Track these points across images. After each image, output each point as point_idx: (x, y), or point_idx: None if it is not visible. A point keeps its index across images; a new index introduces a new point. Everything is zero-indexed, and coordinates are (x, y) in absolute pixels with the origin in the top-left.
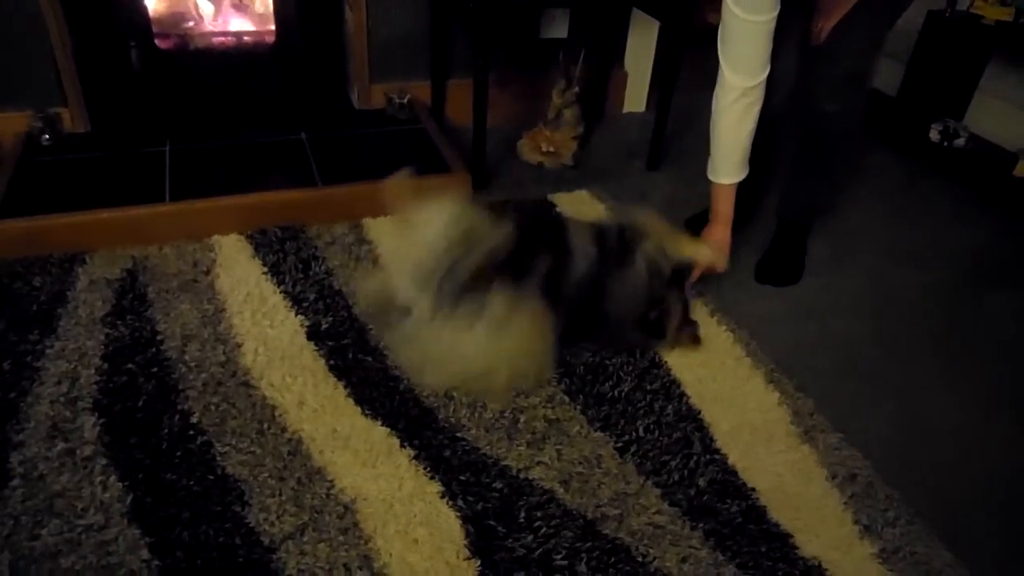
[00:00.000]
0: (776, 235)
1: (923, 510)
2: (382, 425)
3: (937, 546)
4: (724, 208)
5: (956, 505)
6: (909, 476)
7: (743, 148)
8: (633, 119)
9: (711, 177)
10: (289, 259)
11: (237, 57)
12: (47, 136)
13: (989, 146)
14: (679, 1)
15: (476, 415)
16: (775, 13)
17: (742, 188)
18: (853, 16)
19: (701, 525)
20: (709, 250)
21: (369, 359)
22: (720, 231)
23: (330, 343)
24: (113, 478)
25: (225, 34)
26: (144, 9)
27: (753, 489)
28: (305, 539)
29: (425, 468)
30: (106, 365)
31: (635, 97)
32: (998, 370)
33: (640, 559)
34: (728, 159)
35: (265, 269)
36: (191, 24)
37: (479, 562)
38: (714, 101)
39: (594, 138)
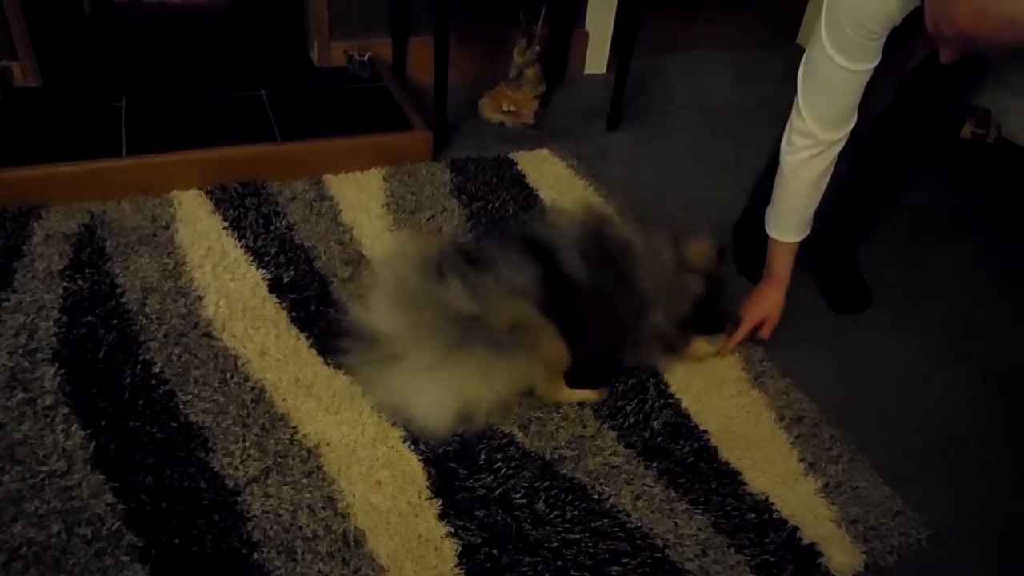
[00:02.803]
0: (821, 249)
1: (864, 448)
2: (344, 374)
3: (876, 481)
4: (781, 269)
5: (895, 443)
6: (852, 417)
7: (813, 205)
8: (594, 80)
9: (771, 233)
10: (250, 214)
11: (194, 10)
12: None
13: None
14: None
15: None
16: (878, 61)
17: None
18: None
19: (655, 464)
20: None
21: (331, 311)
22: (774, 294)
23: (292, 296)
24: (75, 426)
25: None
26: None
27: (705, 431)
28: (269, 482)
29: (387, 414)
30: (65, 318)
31: (596, 59)
32: (934, 318)
33: (596, 496)
34: (795, 216)
35: (225, 224)
36: None
37: (440, 501)
38: (784, 151)
39: (555, 98)
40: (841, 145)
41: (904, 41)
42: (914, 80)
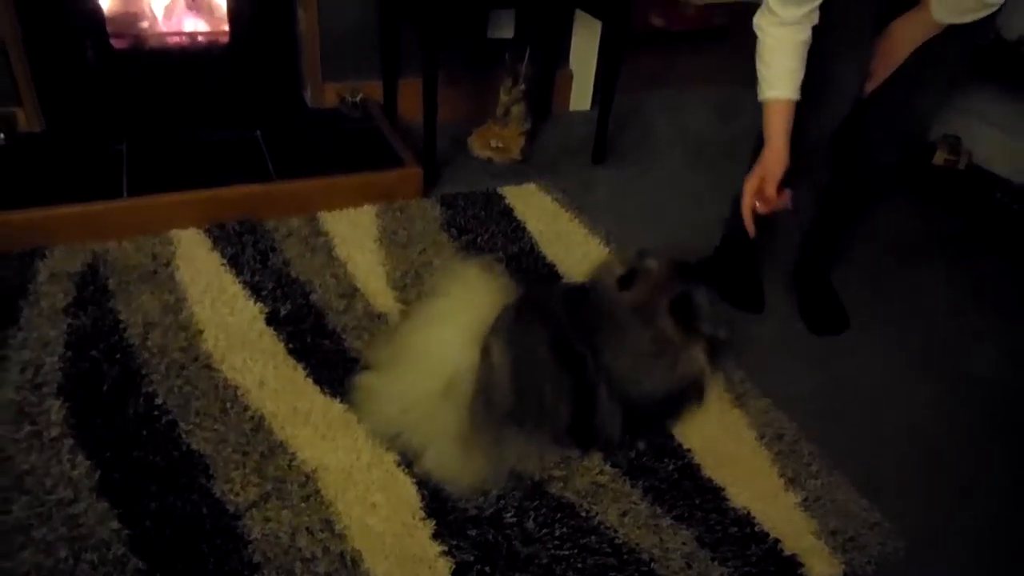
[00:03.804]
0: (800, 273)
1: (842, 463)
2: (340, 402)
3: (854, 494)
4: (775, 135)
5: (871, 458)
6: (830, 434)
7: (796, 65)
8: (578, 116)
9: (761, 97)
10: (247, 251)
11: (192, 56)
12: (2, 135)
13: None
14: (619, 3)
15: None
16: None
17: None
18: (923, 73)
19: (640, 482)
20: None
21: (327, 343)
22: (769, 155)
23: (289, 328)
24: (80, 456)
25: (180, 34)
26: (98, 9)
27: (688, 450)
28: (269, 506)
29: (381, 440)
30: (70, 353)
31: (580, 96)
32: (909, 337)
33: (584, 514)
34: (779, 70)
35: (224, 261)
36: (145, 24)
37: (434, 522)
38: (756, 26)
39: (542, 134)
40: (808, 23)
41: (867, 65)
42: (871, 99)
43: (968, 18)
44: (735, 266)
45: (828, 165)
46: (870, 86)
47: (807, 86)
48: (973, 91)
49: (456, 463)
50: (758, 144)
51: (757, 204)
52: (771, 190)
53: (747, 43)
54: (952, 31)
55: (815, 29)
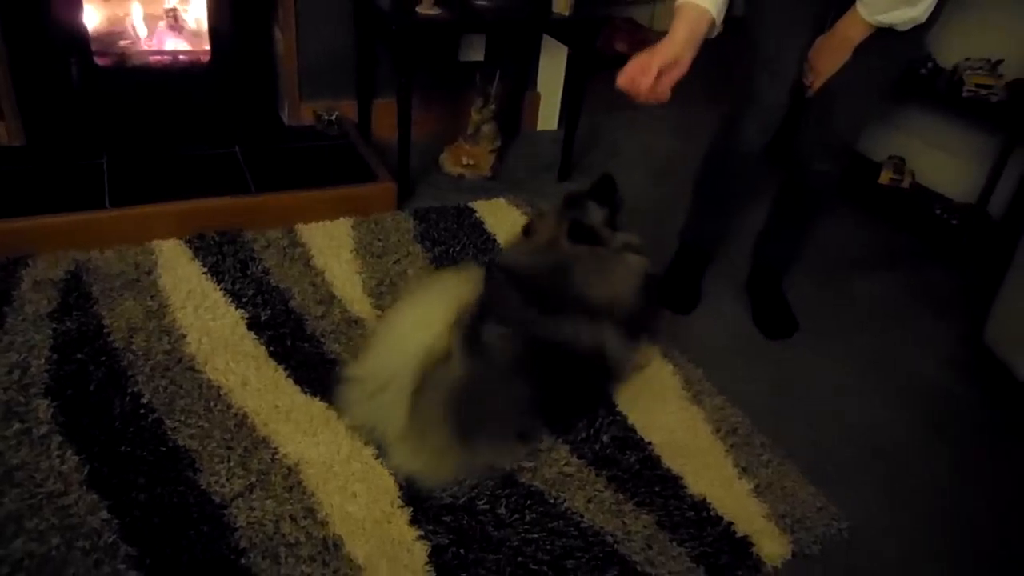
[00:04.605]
0: (752, 281)
1: (792, 455)
2: (320, 400)
3: (803, 481)
4: (675, 28)
5: (820, 450)
6: (781, 429)
7: None
8: (546, 136)
9: (677, 2)
10: (227, 260)
11: (174, 75)
12: None
13: (857, 156)
14: (584, 30)
15: None
16: None
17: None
18: (854, 81)
19: (604, 472)
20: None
21: (306, 346)
22: (662, 42)
23: (269, 332)
24: (70, 452)
25: (162, 53)
26: (83, 27)
27: (649, 443)
28: (253, 496)
29: (360, 435)
30: (55, 356)
31: (548, 116)
32: (857, 341)
33: (552, 501)
34: None
35: (205, 269)
36: (128, 42)
37: (411, 509)
38: None
39: (510, 153)
40: None
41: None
42: (806, 105)
43: (895, 17)
44: (684, 273)
45: (767, 175)
46: (816, 83)
47: (743, 82)
48: (915, 115)
49: (423, 461)
50: (709, 151)
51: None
52: (650, 76)
53: (704, 67)
54: (883, 44)
55: (750, 20)
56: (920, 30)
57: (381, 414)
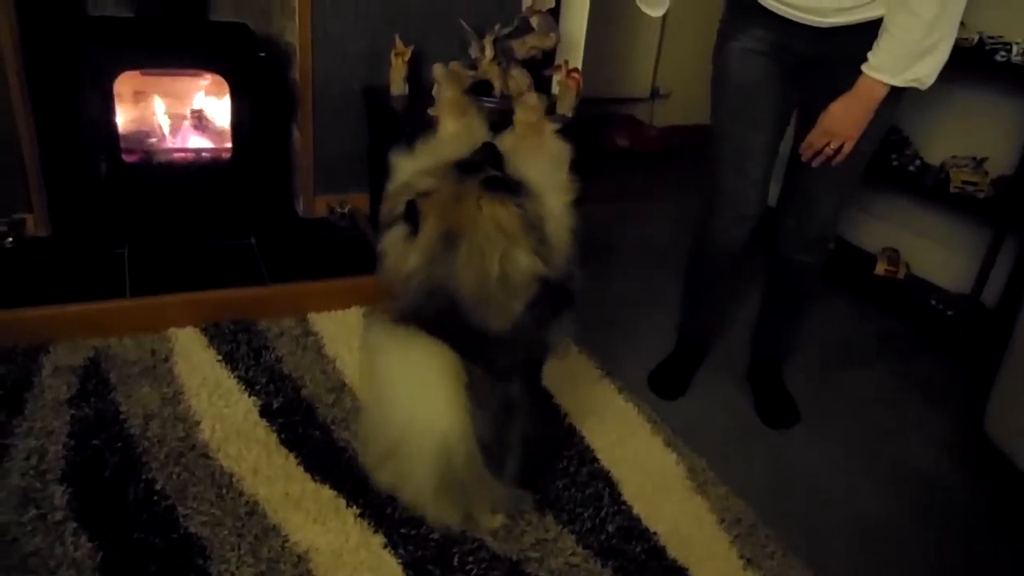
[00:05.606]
0: (753, 371)
1: (796, 545)
2: (330, 488)
3: (807, 572)
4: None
5: (822, 541)
6: (785, 519)
7: None
8: None
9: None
10: (241, 348)
11: (195, 170)
12: (11, 239)
13: (853, 248)
14: (587, 127)
15: None
16: None
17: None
18: (825, 178)
19: (610, 563)
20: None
21: (317, 433)
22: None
23: (281, 420)
24: (83, 539)
25: (186, 150)
26: (114, 126)
27: (655, 533)
28: None
29: (369, 523)
30: (73, 442)
31: None
32: (854, 429)
33: None
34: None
35: (219, 357)
36: (155, 140)
37: None
38: None
39: None
40: None
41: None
42: (781, 196)
43: (919, 71)
44: (679, 364)
45: (752, 266)
46: (807, 153)
47: (711, 179)
48: (907, 208)
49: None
50: (692, 247)
51: None
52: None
53: (699, 162)
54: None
55: (715, 118)
56: (884, 119)
57: (400, 479)
